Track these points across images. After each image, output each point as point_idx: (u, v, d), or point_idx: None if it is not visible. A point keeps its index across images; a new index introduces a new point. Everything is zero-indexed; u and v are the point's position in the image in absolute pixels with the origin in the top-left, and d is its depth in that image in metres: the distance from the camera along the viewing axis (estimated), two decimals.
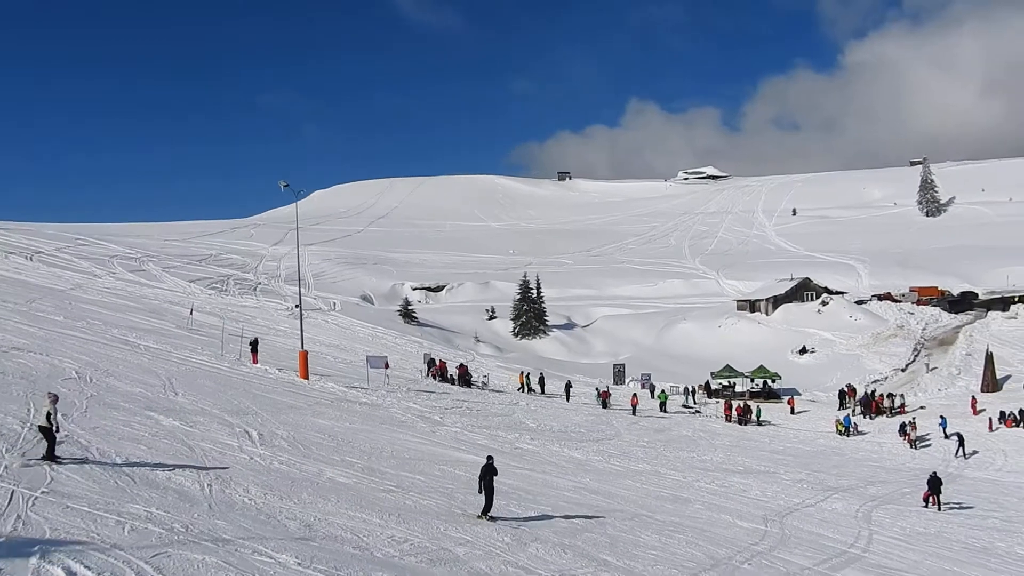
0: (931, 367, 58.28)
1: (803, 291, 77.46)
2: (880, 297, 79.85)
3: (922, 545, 22.49)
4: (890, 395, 50.30)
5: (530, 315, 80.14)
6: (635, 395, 45.67)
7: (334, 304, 76.74)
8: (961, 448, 39.17)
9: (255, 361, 34.09)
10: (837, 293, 79.48)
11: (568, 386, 46.99)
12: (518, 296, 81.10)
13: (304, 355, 33.13)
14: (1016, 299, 73.13)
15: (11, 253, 71.37)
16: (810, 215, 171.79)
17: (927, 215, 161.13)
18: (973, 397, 49.11)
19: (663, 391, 49.24)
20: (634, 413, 42.37)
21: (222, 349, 35.74)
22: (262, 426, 21.43)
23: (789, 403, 50.96)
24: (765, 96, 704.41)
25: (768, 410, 48.32)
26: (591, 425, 36.55)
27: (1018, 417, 44.44)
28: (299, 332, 36.88)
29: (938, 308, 74.21)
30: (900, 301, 77.92)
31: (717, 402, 50.40)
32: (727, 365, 56.65)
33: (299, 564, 11.69)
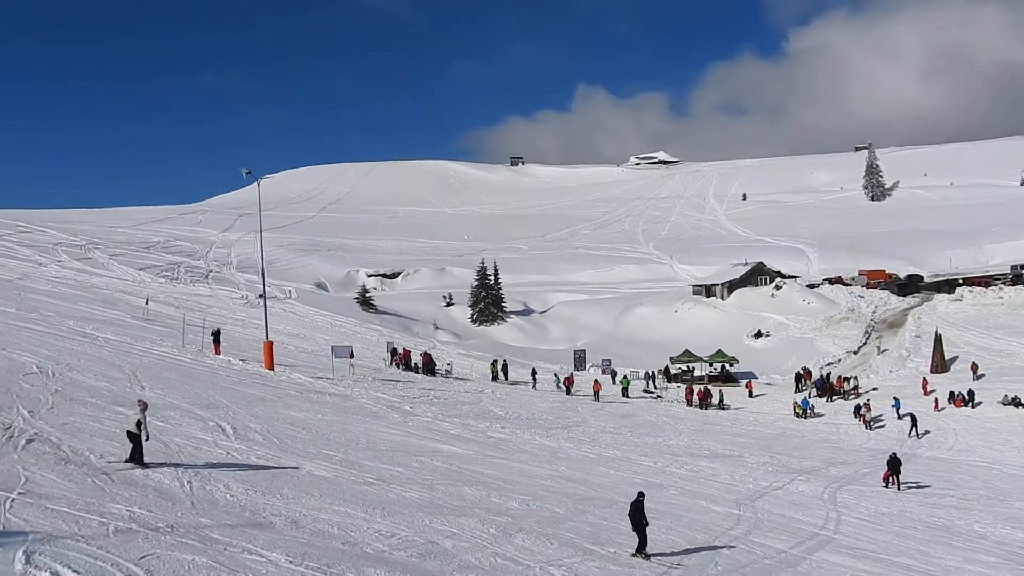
0: (882, 349, 59.82)
1: (757, 276, 78.74)
2: (831, 281, 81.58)
3: (888, 525, 23.09)
4: (846, 378, 51.47)
5: (488, 301, 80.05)
6: (596, 381, 45.95)
7: (289, 292, 75.71)
8: (914, 428, 40.32)
9: (217, 352, 33.45)
10: (790, 277, 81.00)
11: (534, 373, 47.10)
12: (476, 282, 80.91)
13: (269, 346, 32.60)
14: (960, 281, 75.34)
15: None
16: (760, 200, 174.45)
17: (872, 199, 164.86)
18: (924, 378, 50.57)
19: (625, 376, 49.66)
20: (597, 399, 42.64)
21: (183, 340, 34.99)
22: (234, 420, 21.04)
23: (747, 387, 51.86)
24: (712, 82, 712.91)
25: (727, 394, 49.02)
26: (557, 412, 36.72)
27: (966, 397, 45.90)
28: (258, 321, 36.38)
29: (887, 291, 76.11)
30: (850, 285, 79.68)
31: (678, 386, 51.06)
32: (686, 350, 57.37)
33: (291, 562, 11.51)
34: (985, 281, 74.87)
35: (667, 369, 56.05)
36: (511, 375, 47.32)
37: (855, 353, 60.56)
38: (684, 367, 56.83)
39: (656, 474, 25.06)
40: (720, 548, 17.33)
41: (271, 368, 31.83)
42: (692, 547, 17.12)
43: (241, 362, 32.57)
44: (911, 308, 68.89)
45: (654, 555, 15.85)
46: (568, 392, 43.96)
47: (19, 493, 12.47)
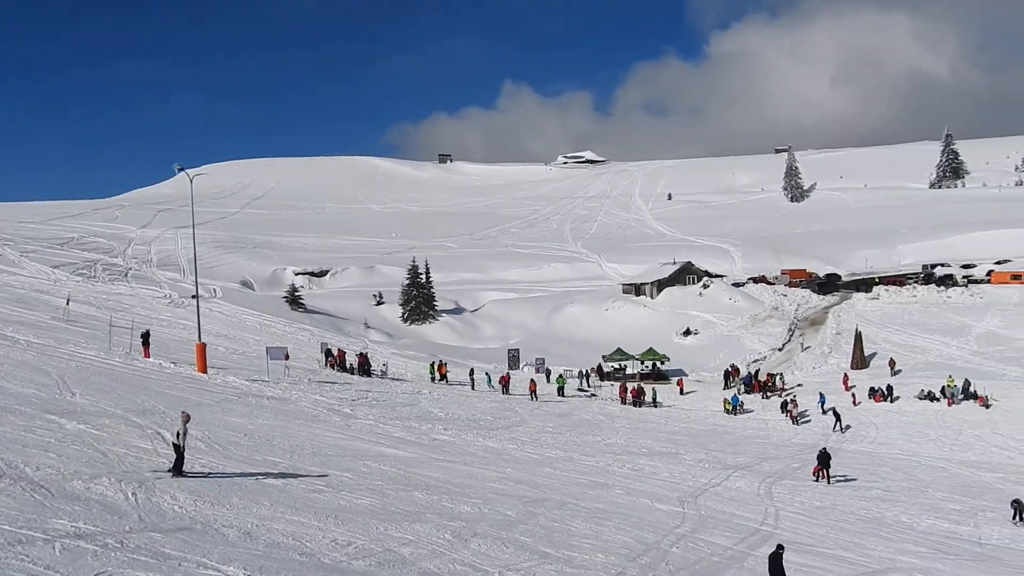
0: (805, 346, 61.77)
1: (685, 274, 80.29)
2: (756, 280, 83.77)
3: (822, 519, 23.87)
4: (773, 375, 52.92)
5: (419, 300, 79.52)
6: (533, 380, 46.14)
7: (215, 291, 73.70)
8: (838, 423, 41.78)
9: (147, 355, 32.32)
10: (717, 276, 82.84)
11: (472, 373, 46.99)
12: (407, 281, 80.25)
13: (202, 348, 31.65)
14: (877, 280, 78.31)
15: None
16: (684, 200, 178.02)
17: (792, 200, 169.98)
18: (845, 374, 52.39)
19: (560, 375, 49.99)
20: (534, 398, 42.83)
21: (110, 342, 33.68)
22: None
23: (678, 384, 52.81)
24: (636, 82, 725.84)
25: (659, 391, 49.83)
26: (496, 412, 36.73)
27: (885, 392, 47.79)
28: (185, 322, 35.36)
29: (808, 290, 78.58)
30: (774, 284, 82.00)
31: (612, 384, 51.67)
32: (618, 348, 58.11)
33: None
34: (900, 280, 78.03)
35: (600, 367, 56.65)
36: (448, 375, 47.06)
37: (780, 350, 62.36)
38: (616, 365, 57.55)
39: (599, 473, 25.32)
40: (670, 547, 17.61)
41: (204, 371, 30.93)
42: (643, 546, 17.35)
43: (172, 365, 31.55)
44: (831, 306, 71.31)
45: (607, 555, 16.01)
46: (505, 391, 44.02)
47: None
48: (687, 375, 56.51)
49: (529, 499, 20.05)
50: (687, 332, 68.17)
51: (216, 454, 18.67)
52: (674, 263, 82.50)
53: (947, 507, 27.91)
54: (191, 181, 32.47)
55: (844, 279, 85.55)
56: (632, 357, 57.27)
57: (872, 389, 48.00)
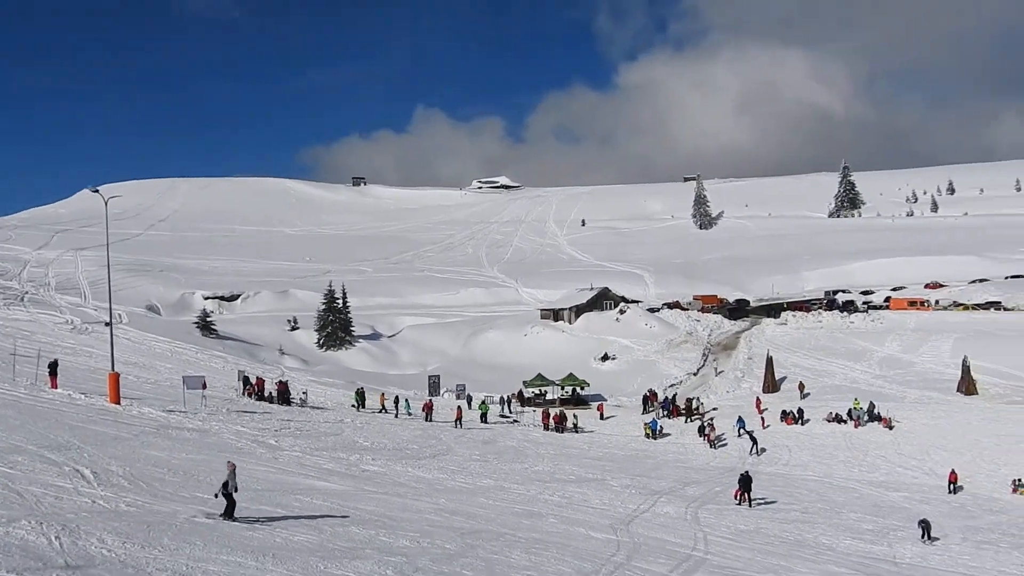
0: (719, 371, 63.43)
1: (603, 300, 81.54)
2: (670, 305, 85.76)
3: (748, 542, 24.42)
4: (690, 399, 54.06)
5: (336, 325, 78.27)
6: (459, 407, 45.87)
7: (120, 316, 70.75)
8: (754, 446, 42.97)
9: (54, 385, 30.68)
10: (633, 302, 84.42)
11: (396, 401, 46.36)
12: (323, 306, 78.93)
13: (115, 378, 30.23)
14: (785, 306, 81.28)
15: None
16: (598, 226, 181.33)
17: (701, 228, 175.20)
18: (757, 398, 54.00)
19: (483, 402, 49.89)
20: (459, 426, 42.56)
21: (14, 373, 31.84)
22: (92, 462, 19.35)
23: (599, 409, 53.40)
24: (547, 109, 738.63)
25: (579, 416, 50.30)
26: (421, 440, 36.32)
27: (796, 415, 49.45)
28: (90, 349, 33.85)
29: (720, 315, 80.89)
30: (687, 309, 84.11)
31: (534, 411, 51.84)
32: (539, 374, 58.42)
33: None
34: (805, 306, 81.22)
35: (521, 393, 56.80)
36: (368, 402, 46.35)
37: (695, 375, 63.84)
38: (537, 391, 57.82)
39: (532, 502, 25.29)
40: None
41: (118, 402, 29.56)
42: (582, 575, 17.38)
43: (83, 396, 30.04)
44: (742, 331, 73.54)
45: None
46: (428, 419, 43.62)
47: None
48: (606, 400, 57.21)
49: (466, 531, 19.84)
50: (605, 357, 69.11)
51: (141, 491, 17.83)
52: (592, 289, 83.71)
53: (861, 527, 29.01)
54: (106, 203, 31.11)
55: (753, 304, 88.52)
56: (552, 383, 57.65)
57: (784, 412, 49.57)
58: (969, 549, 27.40)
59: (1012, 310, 72.86)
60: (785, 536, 26.16)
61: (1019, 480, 36.04)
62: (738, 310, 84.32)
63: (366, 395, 46.44)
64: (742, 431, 45.13)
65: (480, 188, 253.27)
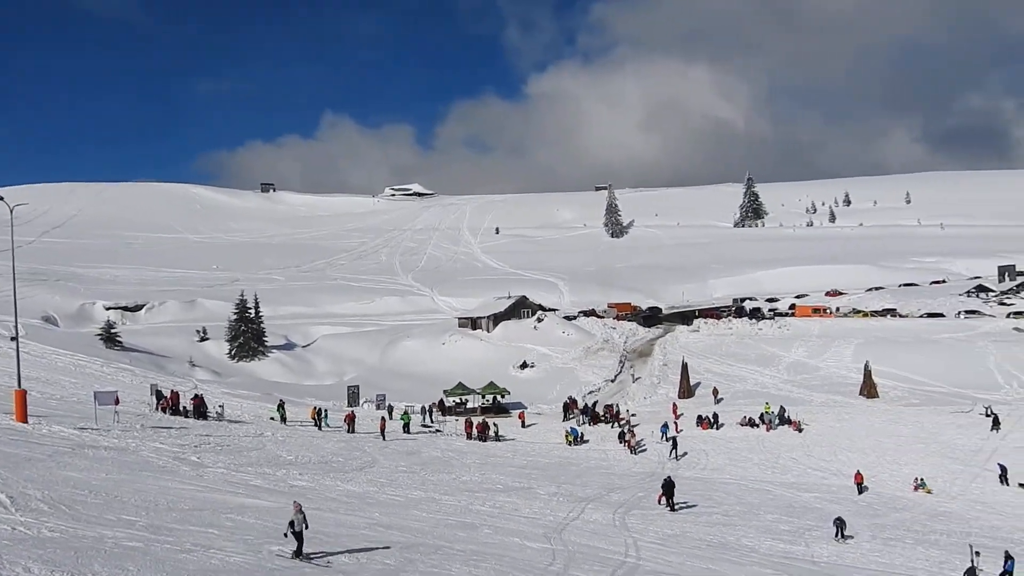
0: (636, 377, 64.72)
1: (520, 308, 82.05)
2: (586, 313, 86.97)
3: (677, 547, 24.99)
4: (609, 405, 54.95)
5: (248, 336, 76.21)
6: (384, 418, 45.29)
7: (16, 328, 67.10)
8: (674, 451, 43.96)
9: None
10: (550, 310, 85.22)
11: (319, 412, 45.41)
12: (235, 316, 76.72)
13: (22, 395, 28.68)
14: (697, 313, 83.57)
15: None
16: (511, 234, 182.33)
17: (612, 236, 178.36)
18: (673, 403, 55.32)
19: (405, 412, 49.46)
20: (384, 437, 42.07)
21: None
22: (6, 486, 18.33)
23: (520, 417, 53.65)
24: (456, 118, 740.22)
25: (500, 424, 50.44)
26: (346, 453, 35.75)
27: (711, 420, 50.86)
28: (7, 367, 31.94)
29: (634, 323, 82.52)
30: (603, 317, 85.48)
31: (456, 420, 51.70)
32: (460, 383, 58.33)
33: None
34: (716, 313, 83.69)
35: (442, 402, 56.59)
36: (289, 415, 45.32)
37: (612, 381, 64.94)
38: (458, 400, 57.71)
39: (464, 513, 25.26)
40: None
41: (25, 420, 28.05)
42: None
43: None
44: (657, 338, 75.26)
45: None
46: (350, 430, 42.99)
47: None
48: (527, 408, 57.56)
49: (403, 545, 19.68)
50: (524, 365, 69.56)
51: (62, 515, 17.00)
52: (509, 297, 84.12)
53: (779, 528, 30.04)
54: (12, 210, 29.47)
55: (665, 312, 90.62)
56: (473, 391, 57.64)
57: (700, 417, 50.92)
58: (879, 546, 28.72)
59: (906, 316, 76.91)
60: (710, 539, 26.88)
61: (920, 479, 37.96)
62: (652, 317, 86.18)
63: (286, 407, 45.40)
64: (665, 436, 46.06)
65: (393, 195, 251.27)
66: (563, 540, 23.15)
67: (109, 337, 66.13)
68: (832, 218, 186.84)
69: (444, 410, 55.63)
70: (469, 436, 46.59)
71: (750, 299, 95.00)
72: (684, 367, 60.14)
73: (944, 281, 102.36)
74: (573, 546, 22.57)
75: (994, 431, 45.30)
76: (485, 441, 46.11)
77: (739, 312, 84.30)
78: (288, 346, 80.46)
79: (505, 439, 47.64)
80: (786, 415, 49.88)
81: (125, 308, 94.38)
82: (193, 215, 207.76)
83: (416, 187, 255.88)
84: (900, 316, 77.36)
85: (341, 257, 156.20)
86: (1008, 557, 26.03)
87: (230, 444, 32.67)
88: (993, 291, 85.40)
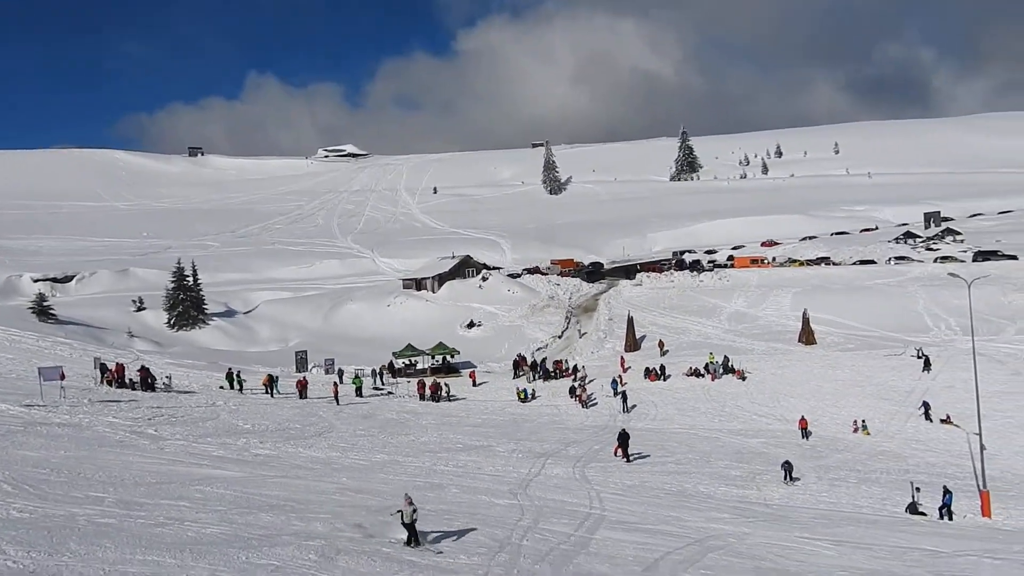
0: (582, 332, 65.54)
1: (465, 268, 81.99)
2: (530, 271, 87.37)
3: (637, 496, 25.73)
4: (559, 361, 55.63)
5: (187, 304, 74.55)
6: (335, 383, 45.04)
7: None
8: (624, 404, 44.88)
9: None
10: (495, 269, 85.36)
11: (271, 379, 44.85)
12: (172, 284, 74.87)
13: None
14: (639, 267, 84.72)
15: None
16: (450, 193, 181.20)
17: (551, 193, 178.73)
18: (621, 357, 56.32)
19: (356, 376, 49.28)
20: (337, 402, 41.91)
21: None
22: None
23: (471, 376, 53.98)
24: (385, 76, 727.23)
25: (452, 384, 50.67)
26: (303, 419, 35.57)
27: (659, 372, 51.98)
28: None
29: (578, 279, 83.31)
30: (547, 274, 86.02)
31: (408, 381, 51.75)
32: (409, 344, 58.24)
33: None
34: (657, 267, 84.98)
35: (391, 364, 56.49)
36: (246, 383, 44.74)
37: (559, 337, 65.66)
38: (407, 361, 57.70)
39: (430, 474, 25.51)
40: (520, 541, 18.23)
41: None
42: (496, 543, 17.82)
43: None
44: (600, 293, 76.18)
45: (469, 556, 16.28)
46: (303, 396, 42.71)
47: None
48: (477, 367, 57.89)
49: (374, 508, 19.80)
50: (471, 324, 69.76)
51: (28, 496, 16.66)
52: (453, 257, 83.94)
53: (731, 474, 31.13)
54: None
55: (607, 267, 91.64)
56: (423, 352, 57.66)
57: (647, 369, 51.99)
58: (825, 487, 30.07)
59: (840, 264, 79.35)
60: (668, 488, 27.72)
61: (861, 421, 39.61)
62: (595, 273, 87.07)
63: (236, 375, 44.78)
64: (616, 391, 46.89)
65: (327, 157, 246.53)
66: (529, 495, 23.59)
67: (42, 310, 63.93)
68: (765, 170, 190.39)
69: (394, 372, 55.55)
70: (422, 397, 46.73)
71: (689, 252, 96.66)
72: (630, 321, 61.10)
73: (876, 228, 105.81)
74: (539, 501, 23.03)
75: (925, 372, 47.43)
76: (438, 401, 46.32)
77: (679, 265, 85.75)
78: (229, 313, 79.03)
79: (457, 399, 47.92)
80: (730, 364, 51.26)
81: (54, 279, 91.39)
82: (118, 182, 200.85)
83: (350, 148, 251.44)
84: (834, 264, 79.75)
85: (277, 221, 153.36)
86: (946, 491, 27.59)
87: (184, 415, 32.21)
88: (920, 237, 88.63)
